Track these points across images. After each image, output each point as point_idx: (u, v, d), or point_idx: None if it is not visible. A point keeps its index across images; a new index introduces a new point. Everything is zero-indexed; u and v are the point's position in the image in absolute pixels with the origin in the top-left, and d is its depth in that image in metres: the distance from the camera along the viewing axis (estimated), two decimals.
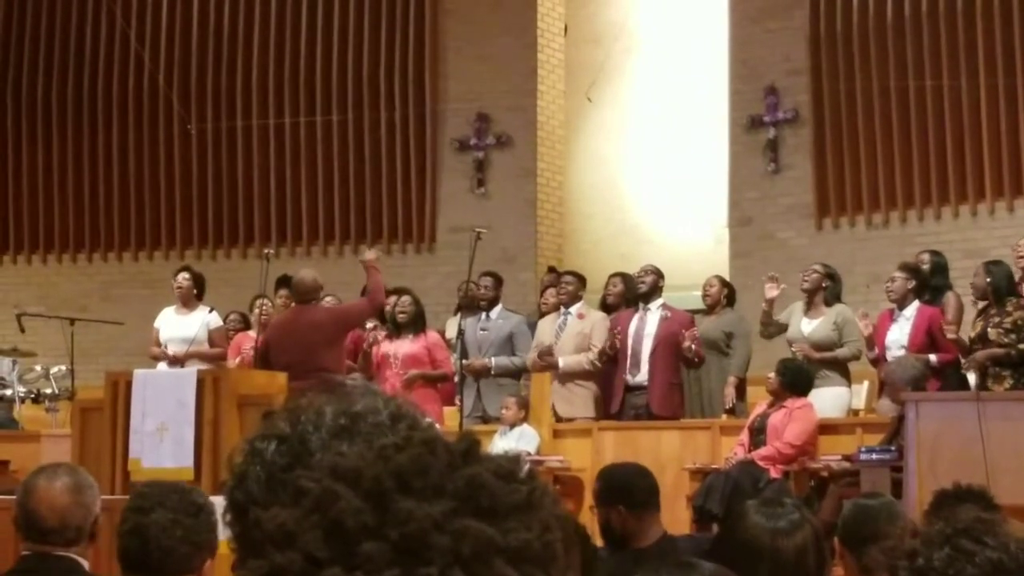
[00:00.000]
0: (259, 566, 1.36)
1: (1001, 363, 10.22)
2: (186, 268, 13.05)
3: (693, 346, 11.51)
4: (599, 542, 6.06)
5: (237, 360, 12.16)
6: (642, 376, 11.74)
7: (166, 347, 12.29)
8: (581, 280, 12.48)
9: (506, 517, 1.33)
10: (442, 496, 1.33)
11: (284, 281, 13.69)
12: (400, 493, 1.33)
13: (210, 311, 12.66)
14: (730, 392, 11.75)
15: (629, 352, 11.75)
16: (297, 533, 1.33)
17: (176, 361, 12.03)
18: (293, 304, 11.25)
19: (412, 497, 1.32)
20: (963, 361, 10.51)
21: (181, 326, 12.36)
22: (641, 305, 11.95)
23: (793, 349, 11.39)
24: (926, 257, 11.56)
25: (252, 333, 12.51)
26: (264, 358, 10.68)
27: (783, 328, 11.69)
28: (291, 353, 10.33)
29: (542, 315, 12.71)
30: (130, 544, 4.08)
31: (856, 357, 11.49)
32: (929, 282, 11.26)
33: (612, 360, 11.86)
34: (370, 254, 11.35)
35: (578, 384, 11.89)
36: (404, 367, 11.59)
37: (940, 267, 11.60)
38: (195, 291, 12.65)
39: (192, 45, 17.38)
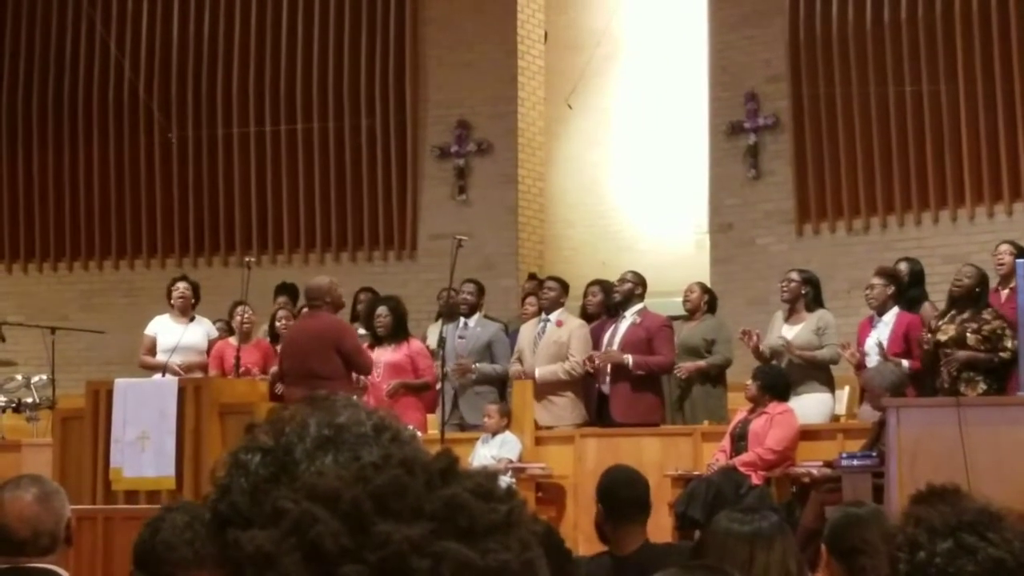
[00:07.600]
0: None
1: (976, 368, 10.23)
2: (184, 277, 12.98)
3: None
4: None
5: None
6: (608, 385, 11.74)
7: (172, 357, 12.10)
8: (564, 286, 12.45)
9: (485, 537, 1.33)
10: (421, 517, 1.32)
11: (283, 288, 13.66)
12: (378, 515, 1.32)
13: (215, 322, 12.70)
14: (690, 367, 11.70)
15: None
16: (275, 556, 1.32)
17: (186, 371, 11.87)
18: (305, 309, 11.23)
19: (391, 519, 1.31)
20: (942, 361, 10.49)
21: (187, 335, 12.25)
22: (620, 313, 11.93)
23: (780, 346, 11.36)
24: (904, 266, 11.54)
25: (233, 341, 12.44)
26: (280, 364, 10.83)
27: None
28: (291, 358, 10.38)
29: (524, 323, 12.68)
30: (144, 534, 4.12)
31: (835, 361, 11.49)
32: (906, 292, 11.24)
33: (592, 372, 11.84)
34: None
35: (558, 395, 11.83)
36: (387, 375, 11.56)
37: (917, 276, 11.58)
38: (193, 300, 12.60)
39: (172, 53, 17.33)
